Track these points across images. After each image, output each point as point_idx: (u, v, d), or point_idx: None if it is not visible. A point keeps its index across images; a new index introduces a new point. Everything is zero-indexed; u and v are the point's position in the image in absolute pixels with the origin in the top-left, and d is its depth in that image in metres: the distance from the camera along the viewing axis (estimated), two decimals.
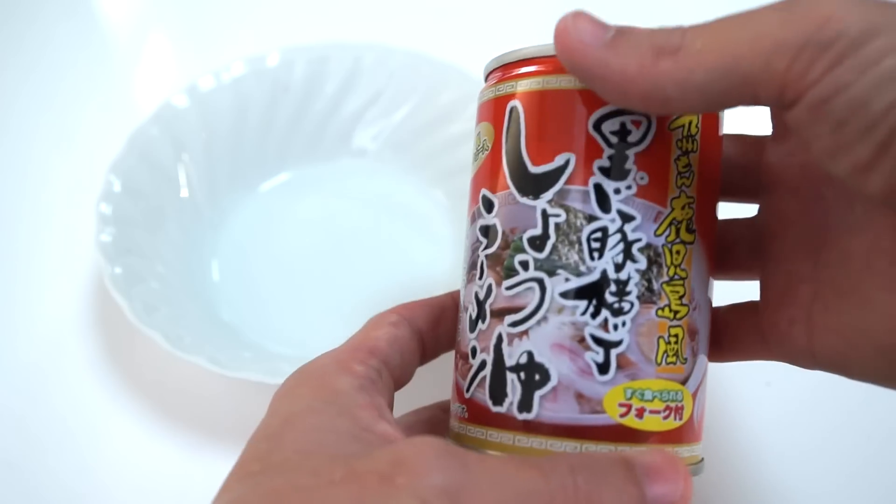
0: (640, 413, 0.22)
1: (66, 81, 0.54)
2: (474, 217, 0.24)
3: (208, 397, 0.37)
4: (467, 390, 0.23)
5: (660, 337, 0.22)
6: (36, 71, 0.55)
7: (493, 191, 0.23)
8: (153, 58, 0.57)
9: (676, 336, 0.22)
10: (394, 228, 0.44)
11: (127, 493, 0.35)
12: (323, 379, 0.22)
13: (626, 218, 0.22)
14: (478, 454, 0.19)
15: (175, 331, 0.35)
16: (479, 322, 0.23)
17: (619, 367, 0.21)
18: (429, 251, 0.42)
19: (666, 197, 0.22)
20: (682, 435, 0.23)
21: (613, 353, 0.21)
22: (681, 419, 0.22)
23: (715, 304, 0.25)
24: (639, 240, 0.22)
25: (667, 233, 0.22)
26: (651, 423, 0.22)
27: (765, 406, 0.36)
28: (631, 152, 0.22)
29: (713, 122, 0.23)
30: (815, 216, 0.23)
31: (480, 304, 0.23)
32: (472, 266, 0.24)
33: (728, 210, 0.26)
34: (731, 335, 0.26)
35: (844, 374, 0.22)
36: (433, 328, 0.26)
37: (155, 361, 0.37)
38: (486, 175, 0.24)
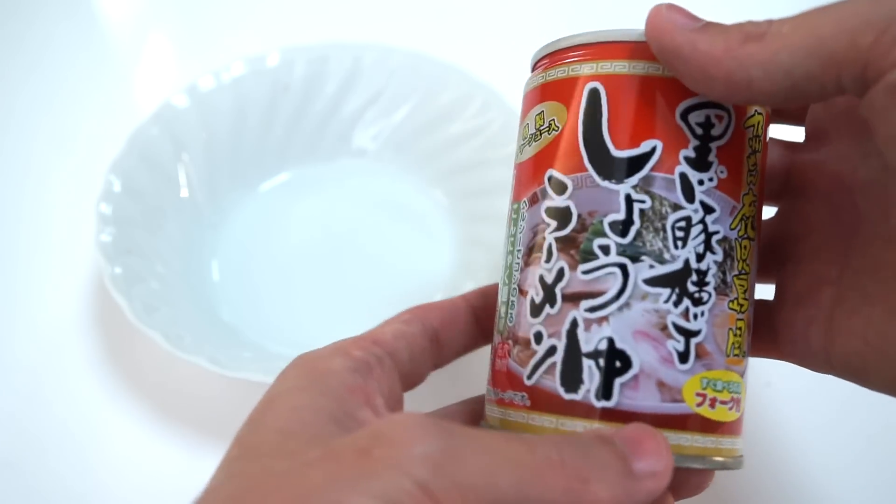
0: (713, 403, 0.22)
1: (67, 81, 0.54)
2: (536, 199, 0.23)
3: (208, 397, 0.37)
4: (529, 377, 0.22)
5: (730, 329, 0.22)
6: (36, 71, 0.55)
7: (566, 172, 0.22)
8: (153, 58, 0.57)
9: (741, 329, 0.23)
10: (394, 228, 0.44)
11: (127, 493, 0.35)
12: (315, 361, 0.21)
13: (708, 209, 0.22)
14: (461, 426, 0.18)
15: (175, 331, 0.35)
16: (547, 306, 0.22)
17: (697, 356, 0.22)
18: (429, 251, 0.42)
19: (739, 192, 0.23)
20: (739, 426, 0.23)
21: (693, 342, 0.22)
22: (739, 411, 0.23)
23: None
24: (717, 232, 0.22)
25: (738, 227, 0.23)
26: (721, 413, 0.22)
27: (765, 406, 0.36)
28: (714, 145, 0.22)
29: (767, 127, 0.24)
30: (846, 223, 0.23)
31: (549, 288, 0.22)
32: (534, 248, 0.23)
33: None
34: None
35: (859, 381, 0.22)
36: (447, 328, 0.26)
37: (155, 361, 0.37)
38: (555, 156, 0.23)
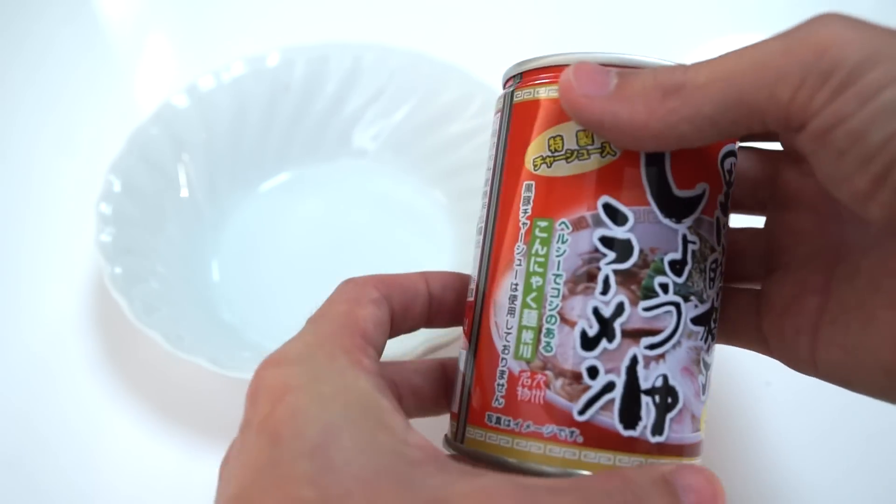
0: (704, 427, 0.24)
1: (67, 82, 0.54)
2: (584, 223, 0.22)
3: (208, 397, 0.37)
4: (582, 412, 0.22)
5: None
6: (37, 71, 0.55)
7: (626, 203, 0.22)
8: (153, 58, 0.57)
9: None
10: (394, 228, 0.44)
11: (127, 493, 0.35)
12: (343, 377, 0.20)
13: (724, 252, 0.24)
14: (548, 487, 0.18)
15: (175, 331, 0.35)
16: (604, 340, 0.22)
17: (708, 387, 0.24)
18: (429, 251, 0.42)
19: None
20: None
21: (708, 374, 0.23)
22: None
23: None
24: (722, 272, 0.24)
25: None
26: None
27: (765, 406, 0.36)
28: (731, 191, 0.24)
29: None
30: (832, 233, 0.24)
31: (607, 322, 0.22)
32: (585, 277, 0.22)
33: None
34: (730, 327, 0.26)
35: (846, 387, 0.23)
36: (404, 311, 0.25)
37: (155, 361, 0.37)
38: (611, 182, 0.22)
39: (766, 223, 0.27)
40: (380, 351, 0.23)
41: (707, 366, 0.23)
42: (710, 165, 0.23)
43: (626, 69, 0.21)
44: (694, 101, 0.19)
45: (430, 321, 0.26)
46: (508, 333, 0.23)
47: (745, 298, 0.26)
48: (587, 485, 0.19)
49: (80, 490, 0.35)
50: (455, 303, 0.26)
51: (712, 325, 0.23)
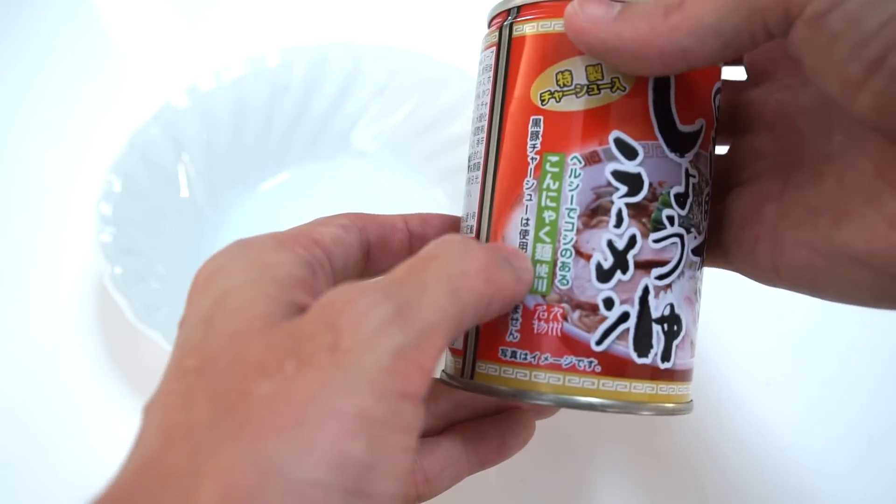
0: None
1: (67, 81, 0.54)
2: (596, 158, 0.22)
3: None
4: (599, 342, 0.22)
5: None
6: (36, 71, 0.55)
7: (636, 138, 0.22)
8: (153, 58, 0.57)
9: None
10: None
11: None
12: (260, 252, 0.21)
13: (710, 184, 0.24)
14: (388, 277, 0.19)
15: (175, 331, 0.35)
16: (619, 272, 0.22)
17: (699, 314, 0.25)
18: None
19: None
20: None
21: (700, 303, 0.24)
22: None
23: None
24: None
25: None
26: None
27: (765, 406, 0.36)
28: (716, 125, 0.24)
29: None
30: (789, 147, 0.24)
31: (620, 254, 0.22)
32: (599, 211, 0.22)
33: None
34: None
35: (811, 292, 0.23)
36: (381, 245, 0.25)
37: (155, 361, 0.37)
38: (622, 117, 0.22)
39: (729, 149, 0.27)
40: (336, 265, 0.23)
41: (700, 293, 0.24)
42: (706, 101, 0.24)
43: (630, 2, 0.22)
44: (695, 12, 0.20)
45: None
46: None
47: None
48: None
49: (80, 490, 0.35)
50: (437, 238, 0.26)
51: (704, 255, 0.24)
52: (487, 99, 0.25)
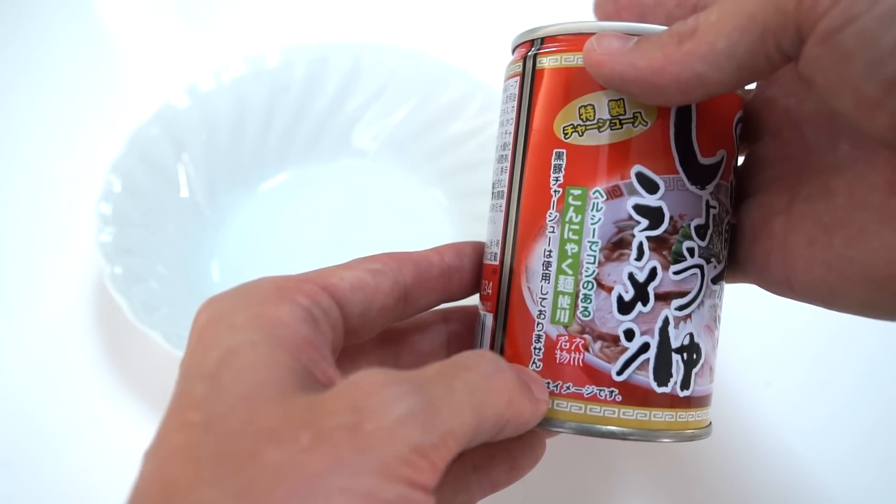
0: None
1: (67, 81, 0.54)
2: (618, 192, 0.23)
3: None
4: (620, 373, 0.23)
5: None
6: (36, 71, 0.55)
7: (657, 172, 0.23)
8: (153, 58, 0.57)
9: None
10: (394, 228, 0.44)
11: (126, 493, 0.35)
12: (262, 307, 0.20)
13: (730, 213, 0.25)
14: (419, 373, 0.19)
15: (175, 331, 0.35)
16: (639, 304, 0.23)
17: (718, 340, 0.25)
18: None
19: None
20: None
21: (720, 329, 0.25)
22: None
23: None
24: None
25: None
26: None
27: (765, 406, 0.37)
28: (738, 155, 0.25)
29: None
30: (795, 156, 0.24)
31: (641, 286, 0.23)
32: (619, 244, 0.23)
33: None
34: None
35: (825, 305, 0.23)
36: (419, 286, 0.25)
37: (155, 361, 0.37)
38: (643, 152, 0.23)
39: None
40: (352, 311, 0.23)
41: (720, 320, 0.25)
42: (727, 132, 0.24)
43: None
44: (708, 38, 0.20)
45: (450, 293, 0.26)
46: (544, 299, 0.24)
47: None
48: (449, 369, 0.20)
49: (80, 489, 0.35)
50: (472, 269, 0.26)
51: (724, 283, 0.25)
52: (511, 128, 0.25)
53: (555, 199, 0.24)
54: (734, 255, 0.26)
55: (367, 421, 0.17)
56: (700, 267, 0.23)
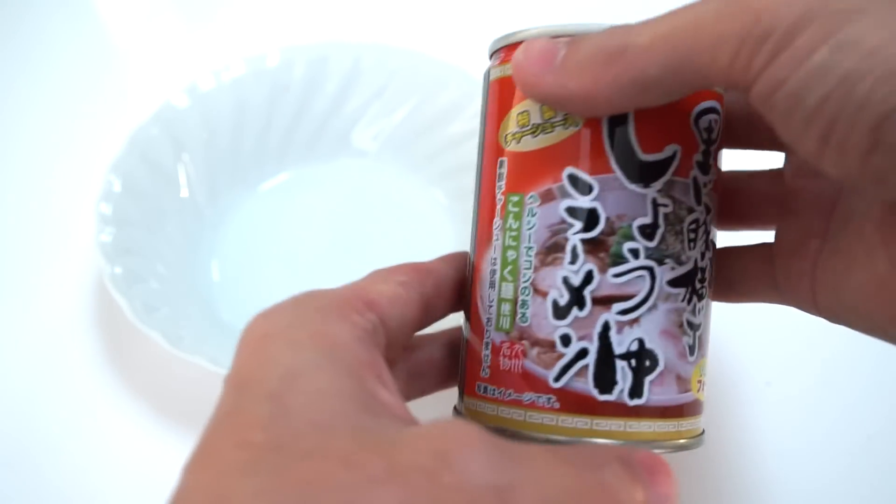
0: (701, 386, 0.24)
1: (66, 81, 0.54)
2: (551, 195, 0.23)
3: (208, 397, 0.37)
4: (557, 379, 0.22)
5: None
6: (36, 71, 0.55)
7: (591, 173, 0.22)
8: (153, 58, 0.57)
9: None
10: (394, 228, 0.44)
11: (126, 493, 0.35)
12: (324, 325, 0.20)
13: (708, 210, 0.24)
14: (520, 445, 0.18)
15: (175, 331, 0.35)
16: (575, 309, 0.22)
17: (699, 347, 0.24)
18: (429, 251, 0.42)
19: (719, 190, 0.24)
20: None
21: (697, 335, 0.23)
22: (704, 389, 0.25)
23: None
24: (711, 230, 0.24)
25: (715, 224, 0.24)
26: (702, 394, 0.24)
27: (765, 406, 0.36)
28: (712, 149, 0.24)
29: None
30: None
31: (576, 291, 0.22)
32: (553, 248, 0.23)
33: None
34: (745, 280, 0.27)
35: (846, 326, 0.23)
36: (437, 297, 0.25)
37: (155, 361, 0.37)
38: (575, 154, 0.22)
39: (784, 164, 0.27)
40: (391, 325, 0.22)
41: (694, 326, 0.23)
42: (682, 126, 0.23)
43: (574, 38, 0.21)
44: (637, 64, 0.19)
45: (460, 303, 0.26)
46: (490, 306, 0.24)
47: (761, 252, 0.27)
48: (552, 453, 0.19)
49: (80, 490, 0.35)
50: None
51: (698, 286, 0.23)
52: (477, 140, 0.26)
53: (498, 207, 0.24)
54: (772, 275, 0.26)
55: (448, 473, 0.16)
56: (649, 269, 0.22)
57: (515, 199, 0.23)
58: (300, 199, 0.45)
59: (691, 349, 0.23)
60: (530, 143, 0.23)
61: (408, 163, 0.46)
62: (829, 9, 0.17)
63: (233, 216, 0.44)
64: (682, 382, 0.23)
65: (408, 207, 0.45)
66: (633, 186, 0.22)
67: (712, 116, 0.23)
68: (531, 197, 0.23)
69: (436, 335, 0.28)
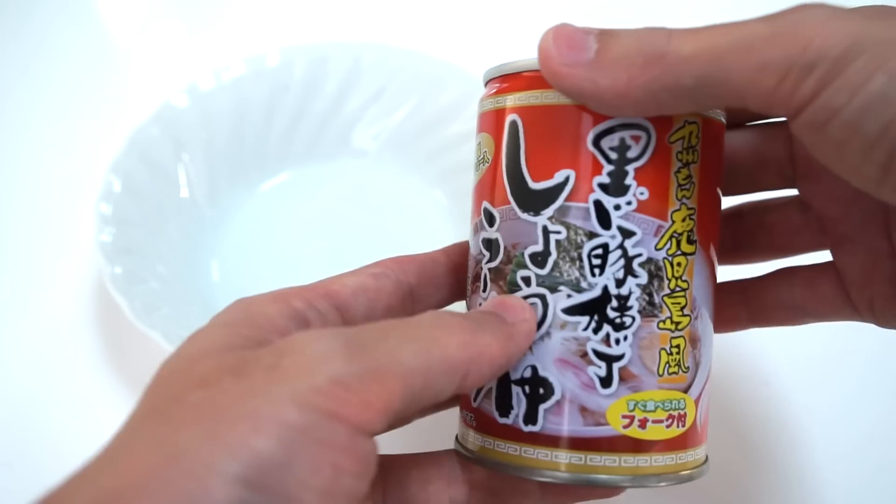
0: (643, 423, 0.22)
1: (67, 81, 0.54)
2: (477, 228, 0.24)
3: None
4: (475, 399, 0.24)
5: (661, 349, 0.22)
6: (36, 71, 0.55)
7: (494, 204, 0.23)
8: (153, 58, 0.57)
9: (678, 346, 0.22)
10: (394, 228, 0.44)
11: None
12: (251, 304, 0.21)
13: (627, 234, 0.22)
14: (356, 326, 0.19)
15: (175, 331, 0.35)
16: None
17: (621, 380, 0.22)
18: (428, 251, 0.42)
19: (666, 210, 0.22)
20: (686, 441, 0.23)
21: (616, 366, 0.22)
22: (684, 426, 0.23)
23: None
24: (639, 255, 0.22)
25: (667, 246, 0.22)
26: (654, 432, 0.22)
27: (765, 406, 0.36)
28: (630, 168, 0.22)
29: (715, 128, 0.23)
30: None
31: None
32: (475, 278, 0.24)
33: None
34: (827, 306, 0.26)
35: None
36: (425, 285, 0.25)
37: (155, 361, 0.37)
38: (488, 188, 0.24)
39: (804, 195, 0.26)
40: (356, 315, 0.23)
41: (608, 357, 0.22)
42: (575, 150, 0.22)
43: (606, 30, 0.21)
44: (676, 71, 0.19)
45: (462, 290, 0.26)
46: None
47: (828, 273, 0.26)
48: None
49: None
50: None
51: (611, 314, 0.22)
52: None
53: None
54: (848, 298, 0.25)
55: (285, 360, 0.17)
56: (541, 296, 0.22)
57: (468, 230, 0.25)
58: (300, 199, 0.45)
59: (605, 381, 0.22)
60: (473, 178, 0.25)
61: (407, 163, 0.46)
62: (880, 38, 0.17)
63: (233, 216, 0.44)
64: (590, 414, 0.22)
65: (408, 207, 0.45)
66: (524, 215, 0.22)
67: (624, 134, 0.22)
68: (471, 231, 0.25)
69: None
